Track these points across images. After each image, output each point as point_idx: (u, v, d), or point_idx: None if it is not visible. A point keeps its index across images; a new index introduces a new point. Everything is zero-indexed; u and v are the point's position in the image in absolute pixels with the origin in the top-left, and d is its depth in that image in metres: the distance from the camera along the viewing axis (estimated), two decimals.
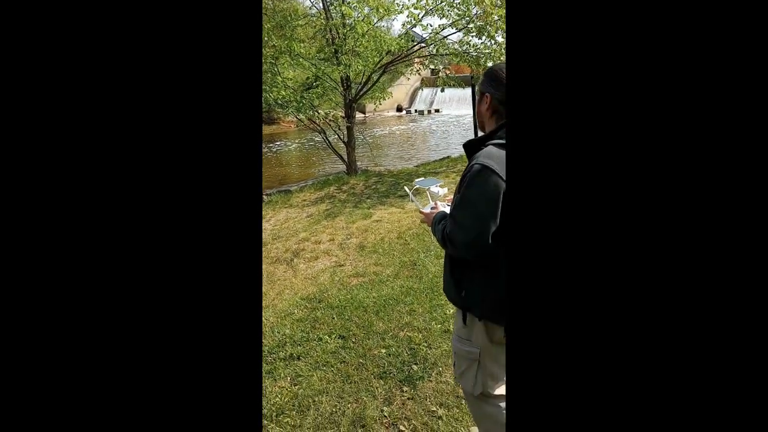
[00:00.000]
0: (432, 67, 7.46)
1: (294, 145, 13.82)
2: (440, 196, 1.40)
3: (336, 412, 1.74)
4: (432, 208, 1.28)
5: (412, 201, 1.47)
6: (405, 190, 4.86)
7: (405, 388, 1.84)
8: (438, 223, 1.11)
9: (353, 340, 2.25)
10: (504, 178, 0.94)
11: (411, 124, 18.37)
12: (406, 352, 2.09)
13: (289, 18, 6.09)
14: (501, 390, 1.18)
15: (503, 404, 1.17)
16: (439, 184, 1.42)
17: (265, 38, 5.74)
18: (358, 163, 7.72)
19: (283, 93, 6.06)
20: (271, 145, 13.90)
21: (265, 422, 1.71)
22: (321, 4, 6.84)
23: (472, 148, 1.05)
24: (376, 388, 1.86)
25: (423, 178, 1.52)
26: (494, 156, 0.96)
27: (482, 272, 1.04)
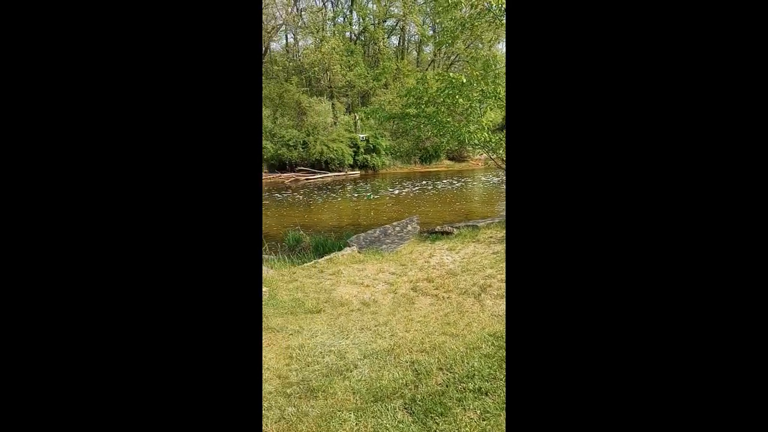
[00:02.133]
0: None
1: (475, 182, 14.12)
2: None
3: None
4: None
5: None
6: None
7: None
8: None
9: None
10: None
11: None
12: None
13: (490, 65, 6.47)
14: None
15: None
16: None
17: (474, 84, 6.23)
18: None
19: (486, 135, 6.40)
20: (458, 178, 14.60)
21: None
22: None
23: None
24: None
25: None
26: None
27: None
